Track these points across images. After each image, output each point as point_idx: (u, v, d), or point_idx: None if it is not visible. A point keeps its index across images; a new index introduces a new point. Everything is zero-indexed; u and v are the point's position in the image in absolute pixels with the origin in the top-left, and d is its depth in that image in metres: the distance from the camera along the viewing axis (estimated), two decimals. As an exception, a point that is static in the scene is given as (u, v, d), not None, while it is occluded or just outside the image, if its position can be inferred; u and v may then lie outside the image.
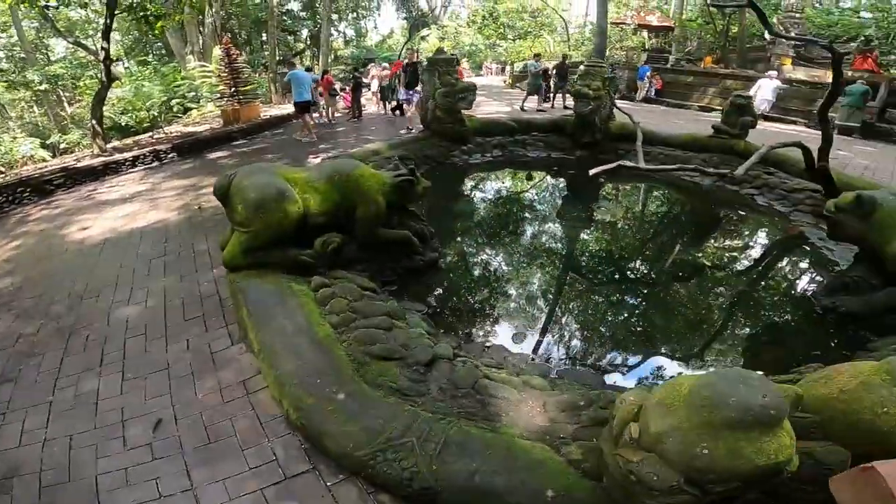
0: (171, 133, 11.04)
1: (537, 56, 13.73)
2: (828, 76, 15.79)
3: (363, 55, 30.85)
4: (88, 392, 2.78)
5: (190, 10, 12.97)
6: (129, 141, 10.66)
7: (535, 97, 12.74)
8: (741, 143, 7.22)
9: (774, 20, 20.45)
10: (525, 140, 8.00)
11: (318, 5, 30.65)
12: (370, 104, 14.70)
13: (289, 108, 14.46)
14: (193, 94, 15.88)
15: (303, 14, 29.86)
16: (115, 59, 11.50)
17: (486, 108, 13.11)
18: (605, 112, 7.72)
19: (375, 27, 44.61)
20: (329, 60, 24.62)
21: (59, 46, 26.94)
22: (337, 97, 12.89)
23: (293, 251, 3.31)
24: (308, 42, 31.30)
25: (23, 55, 21.90)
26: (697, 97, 15.71)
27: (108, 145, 10.55)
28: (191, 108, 15.01)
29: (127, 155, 8.61)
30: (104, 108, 12.24)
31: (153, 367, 2.94)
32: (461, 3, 39.18)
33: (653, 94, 16.21)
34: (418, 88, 8.94)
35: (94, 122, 9.34)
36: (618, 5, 31.24)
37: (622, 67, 19.85)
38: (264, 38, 31.00)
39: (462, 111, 6.96)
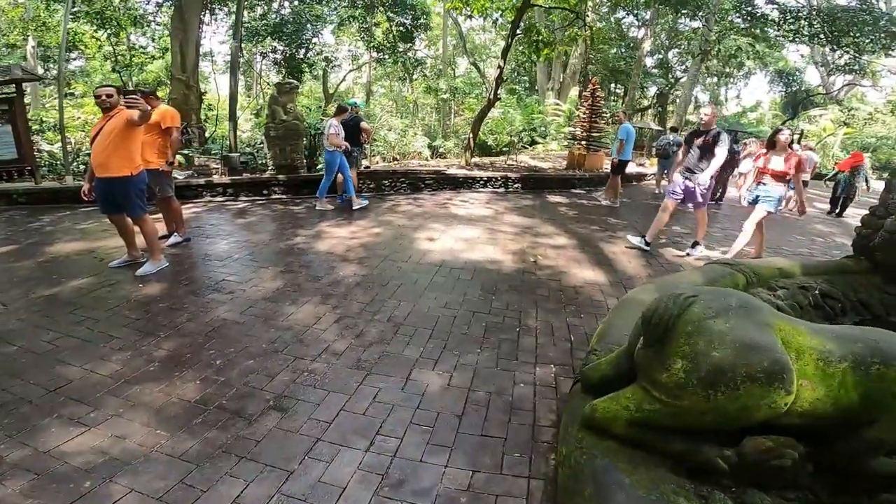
0: (519, 162, 11.53)
1: None
2: None
3: (728, 125, 27.27)
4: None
5: (573, 43, 13.46)
6: (487, 160, 11.75)
7: None
8: None
9: None
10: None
11: (672, 63, 28.80)
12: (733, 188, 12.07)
13: (632, 168, 13.41)
14: (543, 128, 16.77)
15: (655, 70, 28.41)
16: (506, 78, 12.85)
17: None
18: None
19: (738, 96, 39.45)
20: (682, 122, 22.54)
21: (462, 65, 33.96)
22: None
23: (708, 448, 1.92)
24: (654, 100, 29.76)
25: (440, 66, 27.83)
26: None
27: (473, 160, 11.74)
28: (537, 142, 15.84)
29: (483, 174, 9.19)
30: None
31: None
32: (865, 85, 30.06)
33: None
34: None
35: (470, 135, 10.46)
36: None
37: None
38: (612, 87, 31.33)
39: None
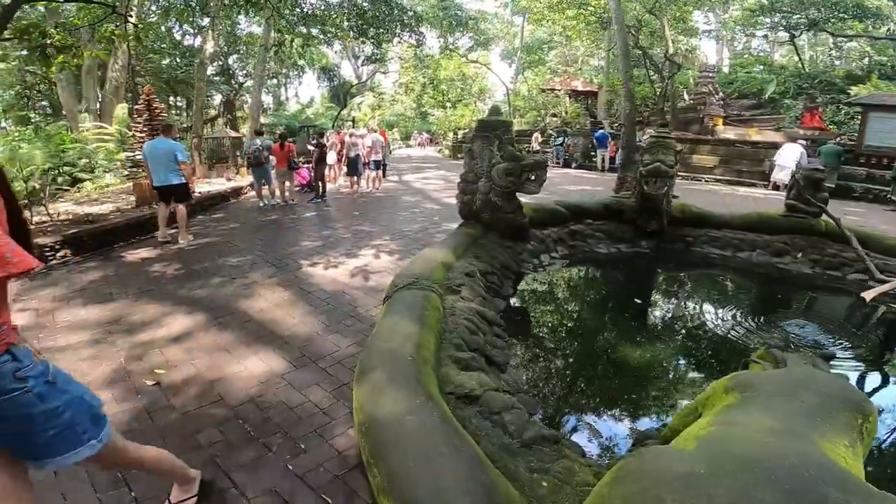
0: (57, 215, 7.84)
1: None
2: (755, 134, 17.22)
3: (287, 123, 28.88)
4: None
5: (104, 46, 10.16)
6: None
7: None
8: (821, 223, 6.28)
9: (690, 80, 22.53)
10: (583, 231, 6.37)
11: (234, 69, 28.45)
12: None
13: (221, 184, 11.81)
14: (86, 161, 12.47)
15: (217, 78, 27.22)
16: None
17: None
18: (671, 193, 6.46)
19: (297, 95, 43.14)
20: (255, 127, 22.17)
21: None
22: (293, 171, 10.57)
23: None
24: (222, 108, 28.49)
25: None
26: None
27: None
28: (82, 180, 11.61)
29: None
30: None
31: None
32: (387, 71, 39.18)
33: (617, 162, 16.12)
34: None
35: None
36: (537, 73, 33.17)
37: (575, 134, 20.02)
38: (172, 101, 27.84)
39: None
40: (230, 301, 4.44)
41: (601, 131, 17.65)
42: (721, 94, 19.63)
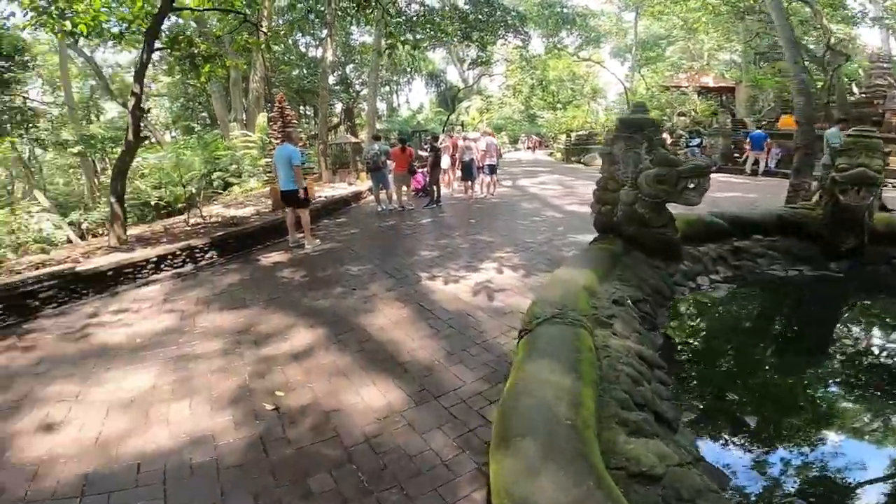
0: (209, 217, 8.71)
1: None
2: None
3: (400, 128, 30.03)
4: None
5: (246, 54, 11.21)
6: (158, 226, 8.31)
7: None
8: None
9: (859, 71, 18.50)
10: (751, 249, 5.24)
11: (351, 78, 30.31)
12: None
13: (343, 188, 12.36)
14: (235, 166, 13.99)
15: (337, 87, 29.27)
16: (147, 110, 9.35)
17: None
18: (876, 203, 5.03)
19: (407, 101, 44.82)
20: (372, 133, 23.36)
21: (112, 111, 26.38)
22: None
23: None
24: (342, 116, 30.58)
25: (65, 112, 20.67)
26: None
27: (130, 232, 8.26)
28: (232, 184, 12.99)
29: (150, 252, 6.13)
30: (138, 181, 10.13)
31: None
32: (492, 75, 38.67)
33: (773, 165, 13.73)
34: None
35: (113, 199, 7.00)
36: (655, 70, 30.14)
37: (713, 134, 17.70)
38: (302, 109, 30.62)
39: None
40: (350, 315, 4.34)
41: (758, 131, 15.24)
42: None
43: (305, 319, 4.29)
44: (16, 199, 15.15)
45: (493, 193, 11.09)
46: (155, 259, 6.04)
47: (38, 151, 19.72)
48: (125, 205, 11.22)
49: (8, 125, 14.84)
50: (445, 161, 11.69)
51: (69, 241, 9.68)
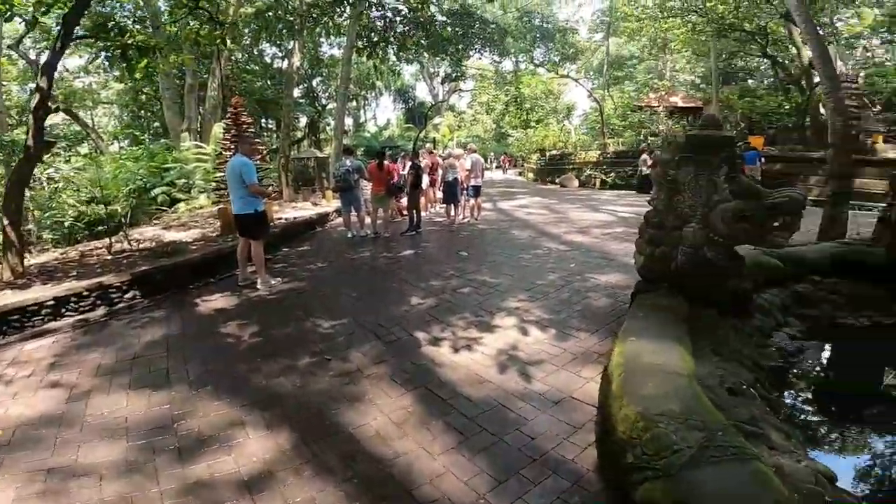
0: (142, 241, 7.14)
1: None
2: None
3: (366, 144, 28.89)
4: None
5: (193, 50, 9.65)
6: (74, 253, 6.66)
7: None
8: None
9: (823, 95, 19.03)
10: (812, 295, 4.35)
11: (318, 91, 29.03)
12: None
13: (307, 209, 10.97)
14: (185, 181, 12.35)
15: (303, 100, 27.86)
16: (55, 109, 7.71)
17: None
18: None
19: (374, 117, 43.74)
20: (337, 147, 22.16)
21: (56, 117, 23.94)
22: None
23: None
24: (307, 129, 29.15)
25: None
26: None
27: (38, 259, 6.69)
28: (179, 200, 11.35)
29: (47, 292, 4.60)
30: (65, 195, 8.43)
31: None
32: (461, 91, 38.21)
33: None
34: None
35: (6, 221, 5.38)
36: (622, 91, 30.55)
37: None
38: (264, 122, 28.91)
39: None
40: (326, 405, 3.00)
41: (751, 150, 14.98)
42: (879, 106, 16.30)
43: (258, 413, 2.93)
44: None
45: (477, 218, 10.02)
46: (52, 301, 4.53)
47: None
48: (40, 225, 9.50)
49: None
50: (424, 181, 10.57)
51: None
